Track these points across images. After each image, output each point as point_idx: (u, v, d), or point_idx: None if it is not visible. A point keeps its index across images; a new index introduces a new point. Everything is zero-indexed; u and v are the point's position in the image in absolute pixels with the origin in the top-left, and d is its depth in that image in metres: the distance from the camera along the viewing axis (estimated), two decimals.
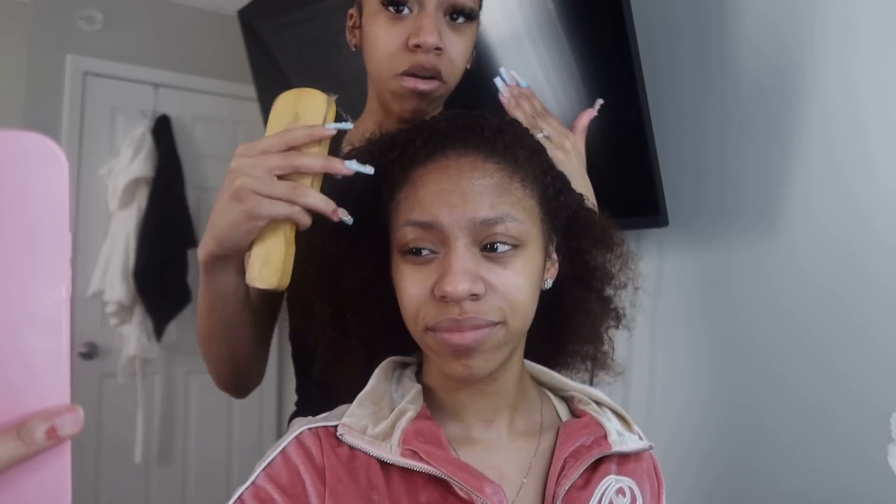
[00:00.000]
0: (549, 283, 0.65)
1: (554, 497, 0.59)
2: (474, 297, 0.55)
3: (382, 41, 0.81)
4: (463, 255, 0.56)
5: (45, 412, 0.27)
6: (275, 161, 0.64)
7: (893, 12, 1.09)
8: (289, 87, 0.68)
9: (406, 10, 0.80)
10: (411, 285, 0.58)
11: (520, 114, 0.90)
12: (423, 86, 0.80)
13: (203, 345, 0.80)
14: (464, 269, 0.55)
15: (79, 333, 2.53)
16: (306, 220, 0.65)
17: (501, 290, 0.56)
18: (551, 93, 1.44)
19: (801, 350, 1.21)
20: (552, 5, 1.37)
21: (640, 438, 0.68)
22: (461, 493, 0.56)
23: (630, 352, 1.51)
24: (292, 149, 0.65)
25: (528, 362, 0.70)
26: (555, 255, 0.66)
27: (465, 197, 0.57)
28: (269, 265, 0.65)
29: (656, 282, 1.48)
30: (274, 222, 0.64)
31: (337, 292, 0.66)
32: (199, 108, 2.78)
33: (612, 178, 1.44)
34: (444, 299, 0.55)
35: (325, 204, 0.64)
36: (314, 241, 0.66)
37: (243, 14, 2.32)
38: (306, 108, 0.68)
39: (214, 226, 0.66)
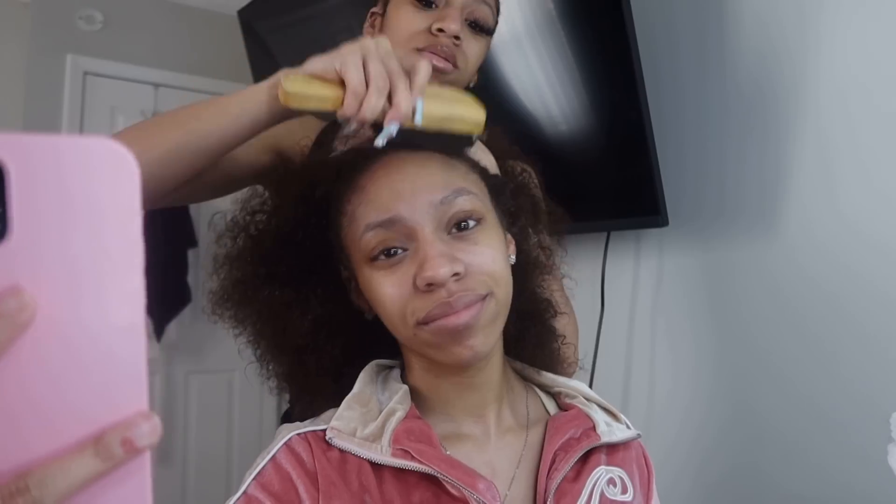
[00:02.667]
0: (512, 259, 0.65)
1: (546, 491, 0.59)
2: (457, 276, 0.55)
3: (406, 22, 0.87)
4: (434, 241, 0.56)
5: (121, 423, 0.27)
6: (394, 65, 0.63)
7: (889, 14, 1.10)
8: None
9: (434, 5, 0.87)
10: (389, 288, 0.57)
11: None
12: (439, 63, 0.85)
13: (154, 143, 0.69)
14: (440, 252, 0.55)
15: None
16: (352, 111, 0.61)
17: (479, 264, 0.57)
18: (551, 93, 1.44)
19: (801, 349, 1.21)
20: (552, 5, 1.37)
21: (628, 427, 0.68)
22: (453, 491, 0.56)
23: (630, 352, 1.51)
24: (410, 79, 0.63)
25: (511, 359, 0.70)
26: (509, 232, 0.66)
27: (416, 182, 0.57)
28: (308, 88, 0.62)
29: (656, 281, 1.48)
30: (339, 85, 0.62)
31: (291, 339, 0.65)
32: None
33: (613, 178, 1.44)
34: (429, 287, 0.55)
35: (371, 114, 0.61)
36: (259, 295, 0.64)
37: (243, 14, 2.31)
38: (463, 109, 0.66)
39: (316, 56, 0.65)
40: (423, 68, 0.63)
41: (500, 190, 0.67)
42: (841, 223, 1.16)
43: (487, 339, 0.57)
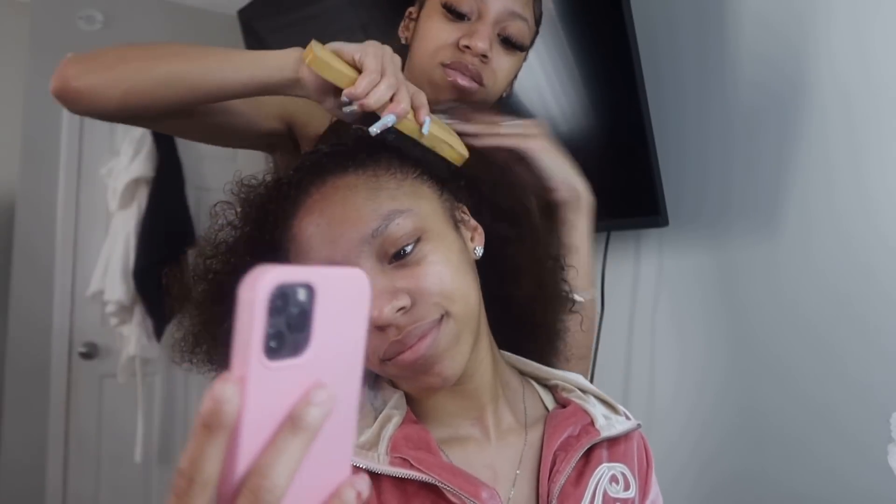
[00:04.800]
0: (479, 251, 0.62)
1: (549, 496, 0.58)
2: (403, 309, 0.53)
3: (435, 33, 0.85)
4: (373, 280, 0.52)
5: (350, 480, 0.33)
6: (402, 76, 0.68)
7: (891, 13, 1.09)
8: None
9: (465, 19, 0.84)
10: None
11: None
12: (463, 81, 0.83)
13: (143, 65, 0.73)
14: (379, 293, 0.53)
15: (79, 333, 2.53)
16: (361, 91, 0.64)
17: (426, 288, 0.54)
18: (551, 93, 1.44)
19: (802, 350, 1.21)
20: (552, 5, 1.37)
21: (628, 418, 0.67)
22: (453, 499, 0.54)
23: (630, 352, 1.51)
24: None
25: (506, 353, 0.69)
26: (471, 220, 0.64)
27: (343, 222, 0.55)
28: (332, 60, 0.66)
29: (656, 282, 1.48)
30: (355, 70, 0.67)
31: None
32: None
33: (612, 178, 1.44)
34: (379, 329, 0.53)
35: (376, 101, 0.65)
36: (222, 329, 0.63)
37: (243, 14, 2.31)
38: (455, 140, 0.73)
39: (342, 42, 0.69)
40: (422, 94, 0.69)
41: (453, 178, 0.64)
42: (841, 223, 1.16)
43: (455, 361, 0.55)
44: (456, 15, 0.83)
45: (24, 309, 2.43)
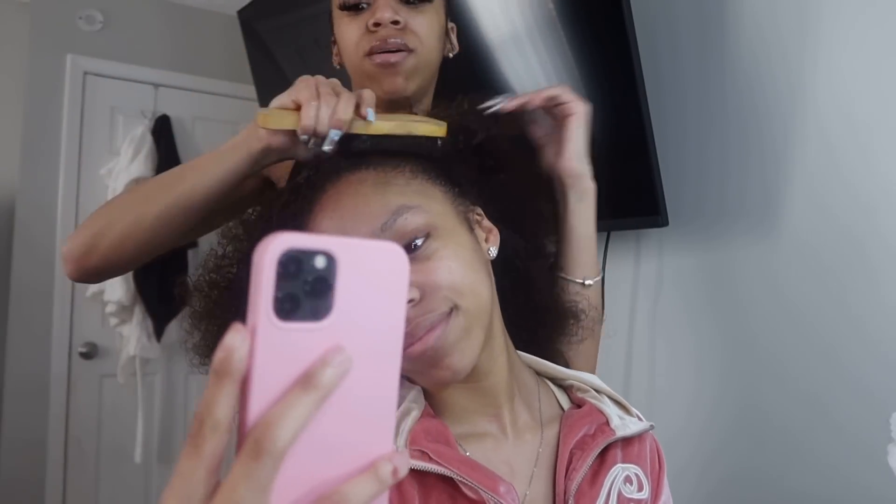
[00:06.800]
0: (493, 252, 0.63)
1: (566, 493, 0.58)
2: (412, 301, 0.53)
3: (347, 34, 0.88)
4: None
5: (387, 456, 0.33)
6: (339, 87, 0.70)
7: (891, 13, 1.09)
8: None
9: (363, 6, 0.87)
10: None
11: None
12: (392, 58, 0.85)
13: (127, 211, 0.78)
14: None
15: (79, 333, 2.53)
16: (308, 120, 0.66)
17: (434, 282, 0.54)
18: None
19: (803, 350, 1.21)
20: (552, 5, 1.37)
21: (640, 419, 0.68)
22: (470, 494, 0.54)
23: (630, 352, 1.51)
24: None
25: (522, 353, 0.69)
26: (485, 221, 0.65)
27: (355, 216, 0.56)
28: (284, 116, 0.68)
29: (656, 282, 1.48)
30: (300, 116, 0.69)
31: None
32: (199, 108, 2.78)
33: (612, 178, 1.44)
34: None
35: (321, 124, 0.66)
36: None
37: (243, 14, 2.31)
38: (420, 126, 0.73)
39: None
40: (367, 91, 0.70)
41: (461, 179, 0.65)
42: (840, 223, 1.16)
43: (464, 354, 0.55)
44: (354, 8, 0.87)
45: (25, 309, 2.43)
